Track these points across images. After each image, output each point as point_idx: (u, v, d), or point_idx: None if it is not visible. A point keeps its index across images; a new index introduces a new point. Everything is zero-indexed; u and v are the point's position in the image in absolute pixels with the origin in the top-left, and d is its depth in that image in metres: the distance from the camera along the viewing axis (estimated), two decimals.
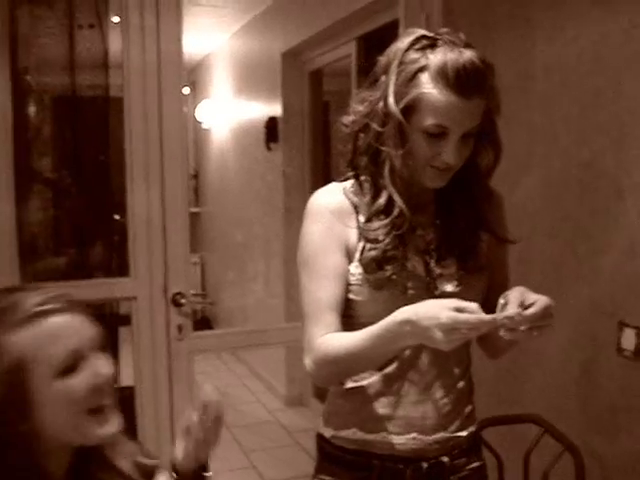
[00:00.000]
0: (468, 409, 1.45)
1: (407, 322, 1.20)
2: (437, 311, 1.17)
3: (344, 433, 1.43)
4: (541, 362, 2.22)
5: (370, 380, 1.39)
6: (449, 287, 1.36)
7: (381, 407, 1.39)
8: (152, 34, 2.39)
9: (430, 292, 1.34)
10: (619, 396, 1.94)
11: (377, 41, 3.57)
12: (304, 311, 1.38)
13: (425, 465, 1.39)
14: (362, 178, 1.40)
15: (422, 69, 1.26)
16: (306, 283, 1.38)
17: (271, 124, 4.48)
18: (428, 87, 1.26)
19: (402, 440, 1.38)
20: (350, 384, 1.41)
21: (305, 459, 3.58)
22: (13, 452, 0.96)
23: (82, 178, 3.81)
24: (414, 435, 1.38)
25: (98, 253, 3.43)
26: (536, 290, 1.27)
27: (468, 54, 1.26)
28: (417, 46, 1.28)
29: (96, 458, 1.08)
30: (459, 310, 1.16)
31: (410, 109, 1.28)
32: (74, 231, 3.52)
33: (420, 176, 1.35)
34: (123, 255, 3.28)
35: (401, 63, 1.29)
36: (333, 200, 1.39)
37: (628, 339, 1.90)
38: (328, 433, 1.45)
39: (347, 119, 1.39)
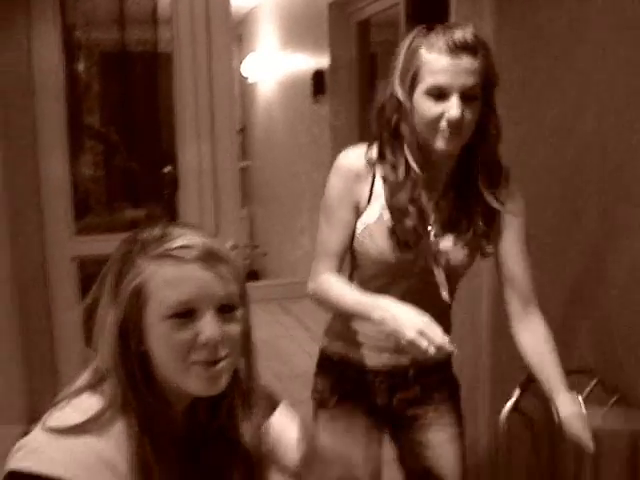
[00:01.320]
0: None
1: (386, 311, 1.49)
2: (415, 315, 1.46)
3: (333, 345, 1.80)
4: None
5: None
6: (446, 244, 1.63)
7: (362, 331, 1.73)
8: None
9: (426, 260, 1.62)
10: None
11: None
12: (316, 247, 1.70)
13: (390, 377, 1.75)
14: (385, 149, 1.61)
15: (419, 47, 1.50)
16: (322, 226, 1.69)
17: (318, 76, 4.45)
18: (424, 57, 1.49)
19: (376, 357, 1.74)
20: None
21: None
22: (138, 371, 1.04)
23: (131, 133, 3.88)
24: (387, 355, 1.73)
25: (150, 208, 3.50)
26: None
27: (458, 29, 1.48)
28: (418, 34, 1.52)
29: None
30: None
31: (414, 81, 1.51)
32: (126, 186, 3.59)
33: (432, 141, 1.53)
34: (173, 208, 3.35)
35: (407, 49, 1.53)
36: (356, 163, 1.64)
37: None
38: (322, 344, 1.84)
39: (375, 103, 1.64)
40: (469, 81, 1.48)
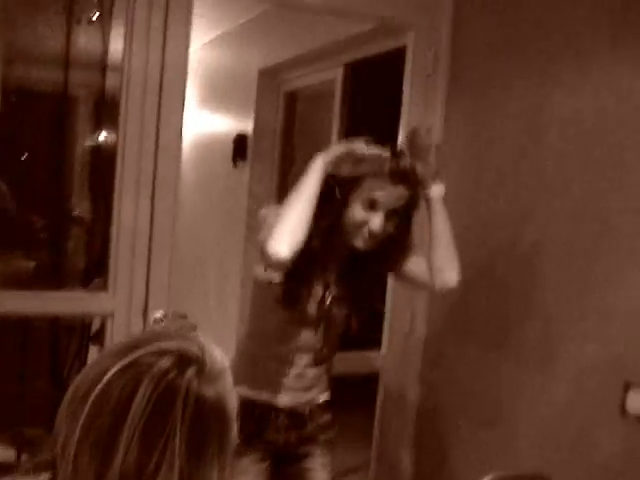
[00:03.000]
0: (324, 385, 2.02)
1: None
2: None
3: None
4: (534, 419, 2.18)
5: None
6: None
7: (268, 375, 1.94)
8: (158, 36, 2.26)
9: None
10: (619, 460, 1.91)
11: (367, 69, 3.53)
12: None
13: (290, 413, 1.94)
14: None
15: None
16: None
17: (240, 140, 4.36)
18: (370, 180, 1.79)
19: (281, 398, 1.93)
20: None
21: None
22: None
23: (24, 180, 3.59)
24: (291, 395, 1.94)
25: (65, 257, 3.24)
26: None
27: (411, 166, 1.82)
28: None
29: None
30: None
31: (356, 187, 1.80)
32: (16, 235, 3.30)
33: (351, 239, 1.82)
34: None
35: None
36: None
37: (634, 402, 1.87)
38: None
39: None
40: (396, 204, 1.81)
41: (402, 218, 1.85)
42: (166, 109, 2.28)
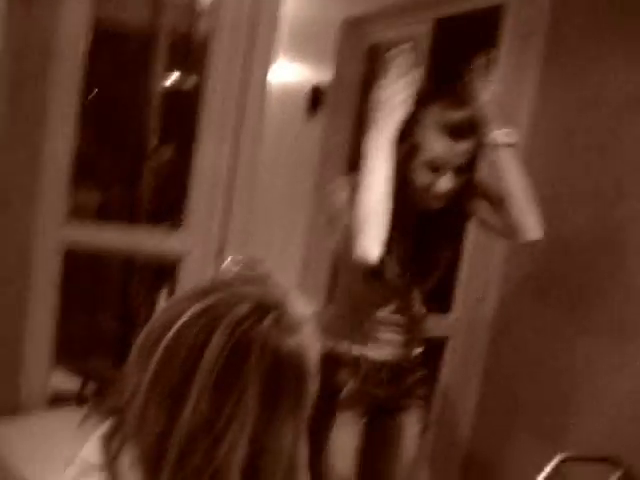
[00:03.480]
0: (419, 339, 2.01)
1: None
2: None
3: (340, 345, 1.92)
4: (608, 397, 2.12)
5: None
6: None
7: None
8: None
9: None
10: None
11: (458, 27, 3.41)
12: None
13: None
14: None
15: (422, 117, 1.72)
16: None
17: (316, 92, 4.29)
18: (428, 132, 1.70)
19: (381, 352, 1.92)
20: None
21: None
22: None
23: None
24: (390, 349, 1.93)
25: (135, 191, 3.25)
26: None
27: (466, 114, 1.70)
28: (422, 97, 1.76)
29: None
30: None
31: (413, 149, 1.72)
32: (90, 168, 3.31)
33: (422, 200, 1.77)
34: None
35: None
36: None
37: None
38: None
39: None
40: (461, 161, 1.71)
41: (469, 171, 1.77)
42: (255, 55, 2.26)
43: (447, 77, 3.14)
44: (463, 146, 1.70)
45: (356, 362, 1.92)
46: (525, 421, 2.45)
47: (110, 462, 0.79)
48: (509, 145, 1.77)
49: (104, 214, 3.37)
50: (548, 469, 1.70)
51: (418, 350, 2.03)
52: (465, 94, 1.76)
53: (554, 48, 2.48)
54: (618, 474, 1.77)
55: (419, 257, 1.87)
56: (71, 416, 1.88)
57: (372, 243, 1.66)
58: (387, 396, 1.97)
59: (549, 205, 2.41)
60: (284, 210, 4.69)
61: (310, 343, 0.83)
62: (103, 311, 3.08)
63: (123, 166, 3.66)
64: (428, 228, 1.85)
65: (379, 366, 1.94)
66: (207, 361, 0.74)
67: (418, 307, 1.99)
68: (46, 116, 2.05)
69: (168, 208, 3.26)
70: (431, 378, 2.15)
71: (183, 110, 3.15)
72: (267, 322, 0.78)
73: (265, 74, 2.30)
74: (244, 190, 2.30)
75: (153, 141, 3.94)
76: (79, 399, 2.52)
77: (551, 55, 2.49)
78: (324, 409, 1.72)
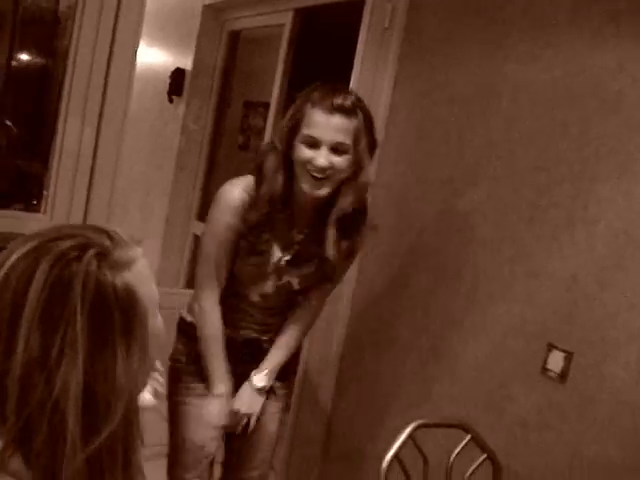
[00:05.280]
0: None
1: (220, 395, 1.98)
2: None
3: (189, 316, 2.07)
4: (456, 372, 2.29)
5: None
6: (293, 282, 1.99)
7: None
8: None
9: (278, 278, 1.98)
10: (534, 414, 2.03)
11: (318, 18, 3.51)
12: (200, 270, 1.98)
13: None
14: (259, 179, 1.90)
15: (306, 101, 1.82)
16: (209, 251, 1.95)
17: (178, 75, 4.26)
18: (307, 111, 1.81)
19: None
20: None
21: None
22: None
23: None
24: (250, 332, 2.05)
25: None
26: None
27: (341, 95, 1.80)
28: (313, 89, 1.84)
29: None
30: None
31: (295, 129, 1.83)
32: None
33: (300, 182, 1.85)
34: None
35: (301, 99, 1.84)
36: (236, 196, 1.89)
37: (555, 361, 1.99)
38: (182, 314, 2.10)
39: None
40: (338, 137, 1.79)
41: (353, 154, 1.83)
42: (121, 36, 2.22)
43: (308, 67, 3.24)
44: (337, 121, 1.78)
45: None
46: (381, 394, 2.59)
47: None
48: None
49: None
50: (403, 436, 1.82)
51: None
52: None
53: (410, 42, 2.62)
54: (467, 439, 1.93)
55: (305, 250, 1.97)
56: None
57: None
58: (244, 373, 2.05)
59: (402, 193, 2.58)
60: (144, 193, 4.62)
61: (140, 281, 0.86)
62: None
63: None
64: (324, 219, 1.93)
65: (236, 341, 2.04)
66: (31, 299, 0.76)
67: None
68: None
69: (19, 190, 3.13)
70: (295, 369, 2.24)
71: (41, 90, 3.02)
72: (88, 257, 0.80)
73: (133, 52, 2.27)
74: (106, 173, 2.27)
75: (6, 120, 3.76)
76: None
77: (407, 49, 2.63)
78: None
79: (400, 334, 2.54)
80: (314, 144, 1.80)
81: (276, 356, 2.06)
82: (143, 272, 0.88)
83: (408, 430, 1.84)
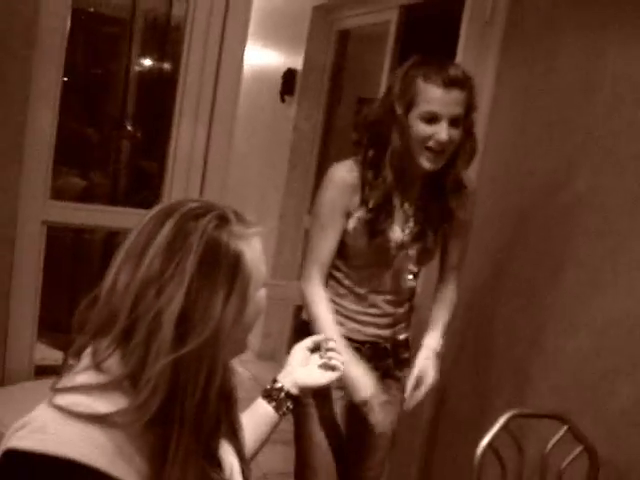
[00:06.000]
0: (407, 322, 2.13)
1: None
2: (367, 380, 1.86)
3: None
4: (558, 363, 2.27)
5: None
6: (411, 252, 1.99)
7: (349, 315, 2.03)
8: None
9: (399, 252, 1.98)
10: (638, 409, 1.99)
11: (422, 13, 3.54)
12: (308, 252, 1.99)
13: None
14: (370, 158, 1.90)
15: (417, 76, 1.81)
16: (316, 234, 1.96)
17: (289, 76, 4.40)
18: (421, 86, 1.80)
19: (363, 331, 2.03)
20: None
21: None
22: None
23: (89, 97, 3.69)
24: (372, 330, 2.03)
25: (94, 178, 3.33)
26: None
27: (451, 67, 1.82)
28: (415, 64, 1.85)
29: None
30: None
31: (410, 104, 1.82)
32: (76, 152, 3.39)
33: (418, 158, 1.86)
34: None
35: (404, 74, 1.85)
36: (348, 175, 1.91)
37: None
38: (304, 317, 2.06)
39: (367, 113, 1.95)
40: (457, 110, 1.81)
41: (464, 124, 1.86)
42: (229, 37, 2.35)
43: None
44: (454, 95, 1.80)
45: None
46: (485, 385, 2.60)
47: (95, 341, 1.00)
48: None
49: (87, 197, 3.46)
50: (497, 426, 1.84)
51: (406, 333, 2.14)
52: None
53: (511, 35, 2.62)
54: (564, 429, 1.92)
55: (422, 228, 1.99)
56: None
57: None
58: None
59: (504, 184, 2.58)
60: (259, 191, 4.80)
61: (251, 254, 1.02)
62: (84, 288, 3.15)
63: (102, 149, 3.75)
64: (437, 192, 1.97)
65: (363, 344, 2.04)
66: (160, 236, 0.97)
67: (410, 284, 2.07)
68: (29, 98, 2.14)
69: (143, 190, 3.35)
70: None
71: (158, 94, 3.23)
72: (210, 216, 0.99)
73: (240, 55, 2.41)
74: (218, 170, 2.41)
75: (128, 125, 4.02)
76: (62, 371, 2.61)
77: (508, 42, 2.63)
78: None
79: (501, 327, 2.54)
80: (433, 119, 1.81)
81: (442, 316, 2.09)
82: (256, 248, 1.04)
83: (503, 420, 1.86)
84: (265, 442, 1.41)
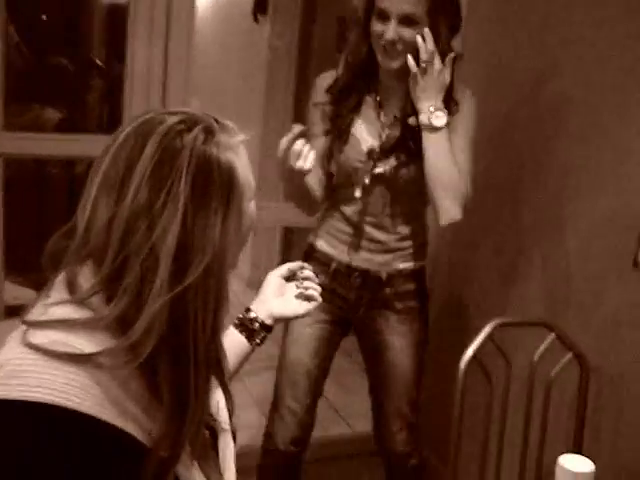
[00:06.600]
0: (408, 251, 2.00)
1: None
2: None
3: (318, 242, 2.05)
4: (545, 270, 2.20)
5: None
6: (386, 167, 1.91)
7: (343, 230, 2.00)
8: None
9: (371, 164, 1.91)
10: (627, 311, 1.92)
11: None
12: None
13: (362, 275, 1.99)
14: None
15: None
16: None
17: None
18: None
19: (353, 257, 1.98)
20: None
21: None
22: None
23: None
24: (364, 256, 1.98)
25: (87, 104, 3.23)
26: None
27: None
28: None
29: None
30: None
31: (370, 5, 1.82)
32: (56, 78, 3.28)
33: (377, 57, 1.84)
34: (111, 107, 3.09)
35: None
36: (329, 80, 1.93)
37: None
38: (310, 240, 2.08)
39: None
40: (406, 8, 1.75)
41: (429, 24, 1.78)
42: None
43: None
44: None
45: (327, 260, 2.00)
46: (470, 292, 2.54)
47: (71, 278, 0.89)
48: (436, 128, 1.80)
49: (63, 128, 3.35)
50: (482, 335, 1.77)
51: (408, 263, 2.01)
52: None
53: None
54: (552, 337, 1.85)
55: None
56: None
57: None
58: (357, 300, 2.01)
59: (485, 83, 2.45)
60: (237, 114, 4.66)
61: (241, 165, 0.93)
62: (49, 222, 3.07)
63: (74, 82, 3.65)
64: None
65: (352, 271, 1.99)
66: (144, 159, 0.86)
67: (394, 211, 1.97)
68: None
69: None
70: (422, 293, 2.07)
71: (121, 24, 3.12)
72: (197, 130, 0.89)
73: None
74: (178, 91, 2.29)
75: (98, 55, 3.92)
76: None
77: None
78: None
79: (487, 234, 2.45)
80: (384, 17, 1.78)
81: None
82: (244, 157, 0.94)
83: (487, 329, 1.79)
84: (236, 373, 1.33)
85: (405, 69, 1.82)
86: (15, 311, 2.29)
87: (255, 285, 4.66)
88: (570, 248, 2.10)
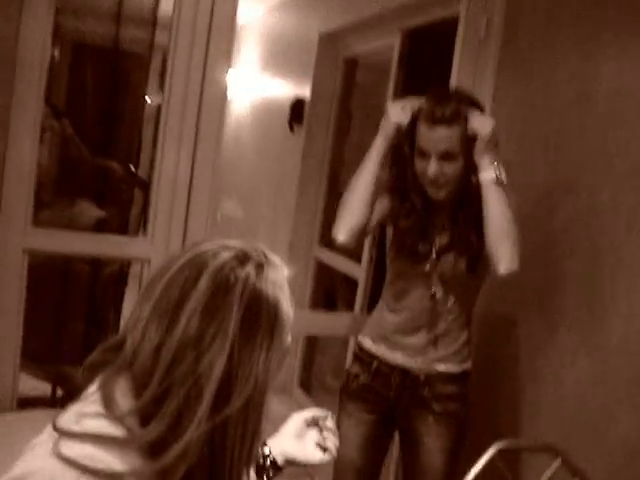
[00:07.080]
0: (449, 354, 2.06)
1: None
2: None
3: (365, 340, 2.15)
4: (558, 394, 2.16)
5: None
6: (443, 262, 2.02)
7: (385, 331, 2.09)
8: None
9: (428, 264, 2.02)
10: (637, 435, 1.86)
11: (425, 36, 3.48)
12: None
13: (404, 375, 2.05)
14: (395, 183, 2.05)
15: (417, 113, 1.92)
16: None
17: (298, 105, 4.37)
18: (417, 124, 1.91)
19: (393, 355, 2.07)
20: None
21: None
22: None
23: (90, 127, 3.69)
24: (403, 354, 2.05)
25: (111, 208, 3.32)
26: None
27: (440, 105, 1.86)
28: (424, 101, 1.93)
29: None
30: None
31: (413, 142, 1.93)
32: (89, 182, 3.39)
33: (426, 188, 1.95)
34: (138, 213, 3.18)
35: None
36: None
37: None
38: (359, 338, 2.19)
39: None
40: (443, 146, 1.87)
41: (464, 157, 1.89)
42: (212, 65, 2.31)
43: (417, 84, 3.22)
44: (440, 132, 1.86)
45: (370, 358, 2.10)
46: (480, 411, 2.48)
47: (106, 390, 0.91)
48: (497, 183, 1.90)
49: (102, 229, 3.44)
50: (484, 459, 1.73)
51: (449, 366, 2.06)
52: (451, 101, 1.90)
53: (507, 51, 2.55)
54: (557, 463, 1.80)
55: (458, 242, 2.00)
56: (41, 417, 1.92)
57: (342, 225, 1.97)
58: (396, 399, 2.06)
59: None
60: (269, 216, 4.76)
61: (285, 300, 0.98)
62: (71, 318, 3.12)
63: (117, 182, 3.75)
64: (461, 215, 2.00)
65: (392, 369, 2.06)
66: (198, 291, 0.90)
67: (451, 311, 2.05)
68: (10, 125, 2.12)
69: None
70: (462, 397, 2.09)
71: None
72: (249, 266, 0.94)
73: (224, 81, 2.36)
74: (204, 195, 2.36)
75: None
76: (49, 403, 2.58)
77: (504, 58, 2.56)
78: None
79: (501, 356, 2.43)
80: (424, 155, 1.89)
81: None
82: (287, 292, 0.99)
83: (489, 453, 1.75)
84: None
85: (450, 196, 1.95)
86: (28, 402, 2.32)
87: (276, 389, 4.64)
88: (583, 372, 2.06)
